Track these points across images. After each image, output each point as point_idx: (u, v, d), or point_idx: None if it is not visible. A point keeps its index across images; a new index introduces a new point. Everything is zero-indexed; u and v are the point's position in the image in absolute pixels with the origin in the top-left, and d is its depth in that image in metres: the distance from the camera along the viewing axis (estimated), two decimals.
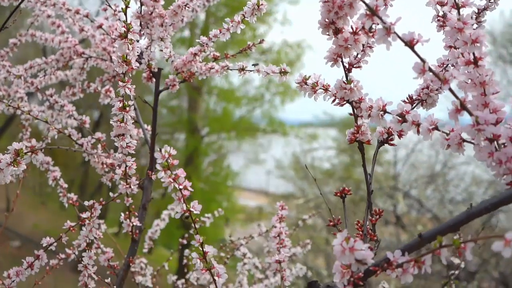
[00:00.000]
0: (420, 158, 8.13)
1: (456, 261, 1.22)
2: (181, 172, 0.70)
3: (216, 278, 0.72)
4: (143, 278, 1.41)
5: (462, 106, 0.57)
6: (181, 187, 0.69)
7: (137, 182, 1.01)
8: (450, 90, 0.57)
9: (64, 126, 1.19)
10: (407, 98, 0.78)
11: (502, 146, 0.59)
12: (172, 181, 0.69)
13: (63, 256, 1.22)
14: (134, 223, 1.06)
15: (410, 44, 0.56)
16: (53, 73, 1.28)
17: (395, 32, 0.56)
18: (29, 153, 0.73)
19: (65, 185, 1.18)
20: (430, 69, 0.57)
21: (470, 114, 0.57)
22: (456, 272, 1.19)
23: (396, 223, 6.05)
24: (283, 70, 0.96)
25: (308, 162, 9.40)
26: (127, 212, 1.05)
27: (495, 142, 0.59)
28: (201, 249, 0.72)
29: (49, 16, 1.25)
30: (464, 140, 0.61)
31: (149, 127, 1.23)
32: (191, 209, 0.71)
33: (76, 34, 1.33)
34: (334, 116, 11.18)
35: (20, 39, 1.38)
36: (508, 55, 9.40)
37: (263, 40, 1.11)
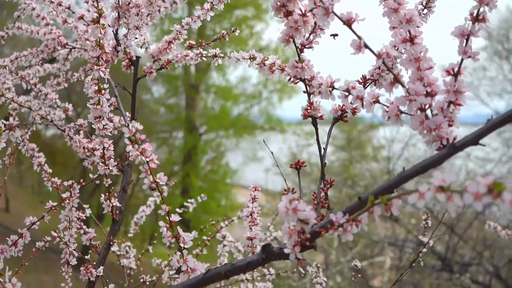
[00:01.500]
0: (415, 153, 8.20)
1: (425, 239, 1.27)
2: (147, 146, 0.75)
3: (181, 245, 0.77)
4: (127, 261, 1.47)
5: (395, 80, 0.63)
6: (148, 159, 0.75)
7: (115, 163, 1.06)
8: (384, 63, 0.62)
9: (46, 113, 1.24)
10: (361, 78, 0.83)
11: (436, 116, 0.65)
12: (139, 154, 0.74)
13: (48, 238, 1.27)
14: (114, 204, 1.11)
15: (348, 22, 0.62)
16: (38, 63, 1.33)
17: (333, 12, 0.61)
18: (7, 131, 0.79)
19: (50, 170, 1.24)
20: (365, 45, 0.62)
21: (403, 86, 0.63)
22: (425, 250, 1.24)
23: (390, 216, 6.11)
24: (252, 56, 1.01)
25: (304, 157, 9.45)
26: (107, 193, 1.11)
27: (429, 112, 0.64)
28: (167, 218, 0.78)
29: (33, 9, 1.31)
30: (401, 112, 0.66)
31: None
32: (158, 180, 0.76)
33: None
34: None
35: (8, 32, 1.44)
36: (504, 51, 9.44)
37: (236, 28, 1.17)
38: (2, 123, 0.79)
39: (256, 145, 12.33)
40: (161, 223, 0.77)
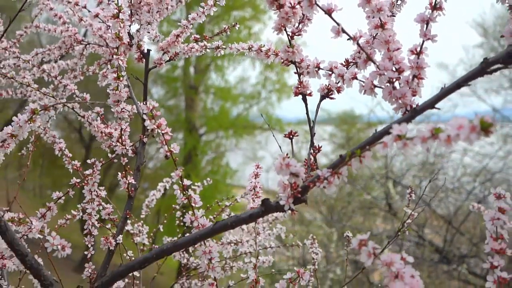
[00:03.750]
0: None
1: (407, 210, 1.40)
2: (163, 121, 0.89)
3: (193, 204, 0.91)
4: (140, 238, 1.61)
5: (368, 58, 0.76)
6: (163, 132, 0.88)
7: (131, 144, 1.20)
8: (358, 45, 0.76)
9: (68, 101, 1.38)
10: (344, 61, 0.97)
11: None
12: (156, 127, 0.88)
13: (68, 216, 1.41)
14: (130, 181, 1.25)
15: (328, 12, 0.76)
16: (56, 58, 1.47)
17: (316, 4, 0.75)
18: (43, 111, 0.92)
19: (70, 154, 1.37)
20: (343, 31, 0.76)
21: (374, 63, 0.76)
22: (409, 221, 1.37)
23: (389, 211, 6.25)
24: (250, 47, 1.15)
25: (303, 155, 9.57)
26: (123, 172, 1.24)
27: (397, 85, 0.78)
28: (180, 182, 0.91)
29: (51, 9, 1.45)
30: (375, 85, 0.80)
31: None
32: (172, 149, 0.90)
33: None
34: (330, 113, 11.38)
35: (26, 30, 1.58)
36: (500, 47, 9.56)
37: (236, 23, 1.30)
38: (38, 104, 0.92)
39: (255, 144, 12.44)
40: (175, 186, 0.91)
